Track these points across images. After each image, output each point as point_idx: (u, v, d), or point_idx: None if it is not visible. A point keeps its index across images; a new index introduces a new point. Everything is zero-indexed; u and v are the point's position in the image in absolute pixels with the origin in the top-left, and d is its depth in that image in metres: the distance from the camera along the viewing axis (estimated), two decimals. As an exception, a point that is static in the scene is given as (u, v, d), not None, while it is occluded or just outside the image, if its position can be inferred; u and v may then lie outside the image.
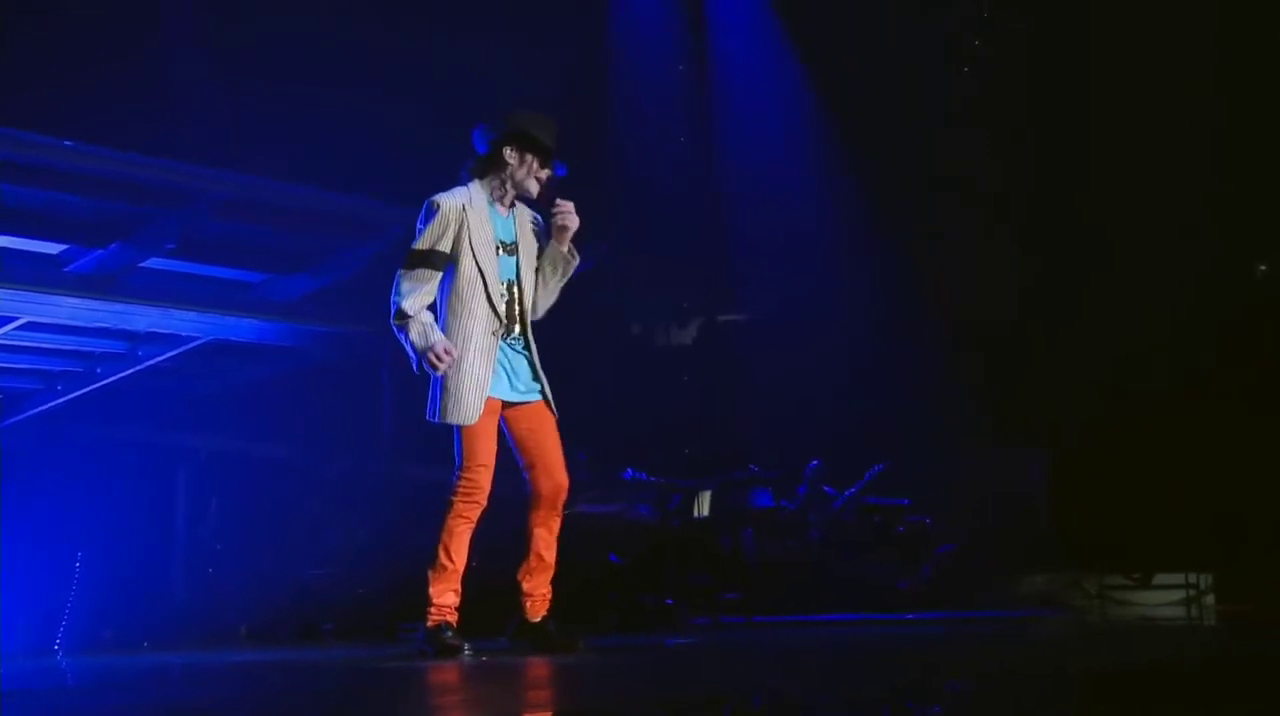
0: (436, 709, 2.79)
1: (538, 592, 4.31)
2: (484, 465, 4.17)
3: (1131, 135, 7.66)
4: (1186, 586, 7.67)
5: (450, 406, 4.15)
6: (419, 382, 4.32)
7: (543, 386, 4.32)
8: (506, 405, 4.27)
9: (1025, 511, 8.23)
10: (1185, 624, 6.25)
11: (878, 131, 8.68)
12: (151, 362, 8.50)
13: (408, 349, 4.21)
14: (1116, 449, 7.73)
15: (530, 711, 2.75)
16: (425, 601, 4.19)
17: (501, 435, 4.30)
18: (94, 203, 6.75)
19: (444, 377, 4.16)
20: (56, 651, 7.82)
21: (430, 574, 4.19)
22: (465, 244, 4.21)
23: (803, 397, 8.80)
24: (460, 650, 4.10)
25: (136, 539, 8.86)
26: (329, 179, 7.17)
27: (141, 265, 7.26)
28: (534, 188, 4.33)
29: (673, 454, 8.68)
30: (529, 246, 4.38)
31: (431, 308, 4.26)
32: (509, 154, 4.29)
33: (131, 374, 8.64)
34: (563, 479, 4.30)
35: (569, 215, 4.30)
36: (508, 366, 4.27)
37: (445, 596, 4.18)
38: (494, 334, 4.23)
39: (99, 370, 8.79)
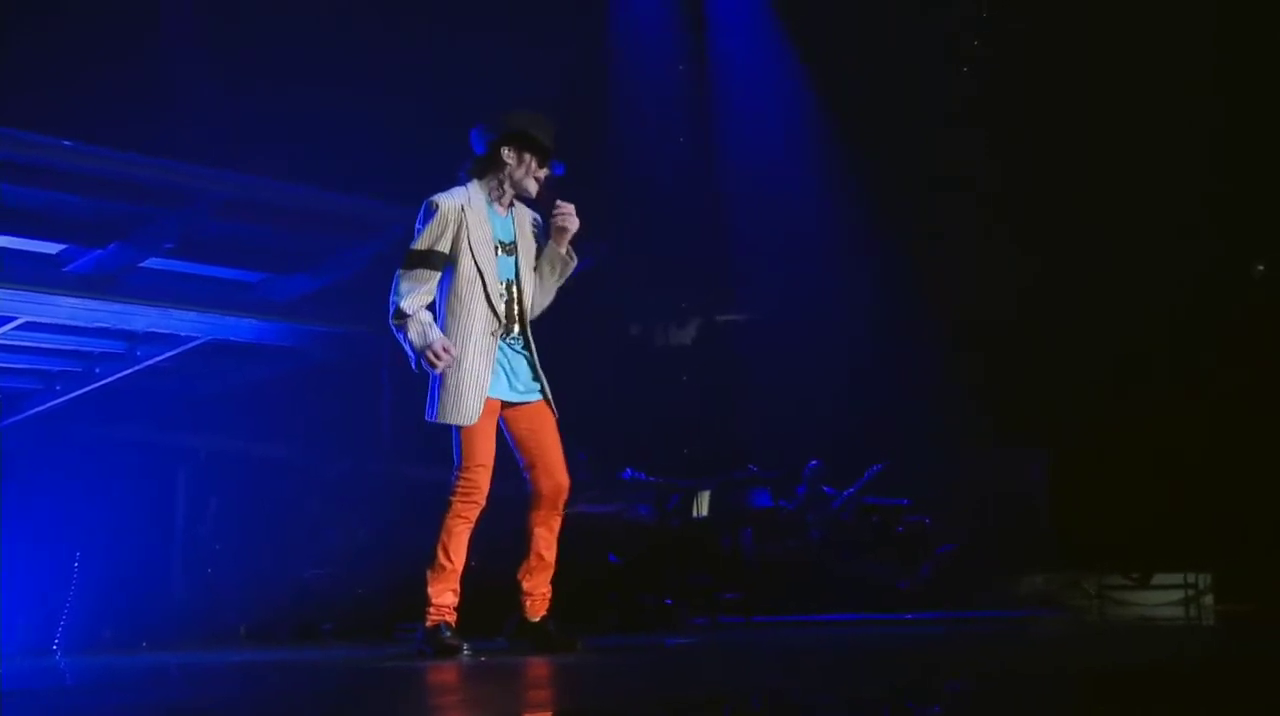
0: (435, 709, 2.79)
1: (538, 592, 4.31)
2: (482, 465, 4.17)
3: (1130, 135, 7.65)
4: (1185, 586, 7.67)
5: (450, 407, 4.15)
6: (418, 383, 4.32)
7: (543, 386, 4.32)
8: (506, 405, 4.27)
9: (1025, 511, 8.23)
10: (1184, 624, 6.25)
11: (878, 131, 8.68)
12: (150, 362, 8.50)
13: (406, 348, 4.21)
14: (1116, 449, 7.72)
15: (529, 711, 2.75)
16: (424, 601, 4.19)
17: (501, 435, 4.30)
18: (93, 203, 6.75)
19: (443, 378, 4.16)
20: (55, 651, 7.82)
21: (429, 574, 4.19)
22: (464, 244, 4.22)
23: (803, 397, 8.80)
24: (459, 650, 4.10)
25: (135, 538, 8.86)
26: (329, 179, 7.17)
27: (140, 265, 7.26)
28: (532, 187, 4.33)
29: (672, 454, 8.68)
30: (528, 246, 4.38)
31: (431, 308, 4.26)
32: (507, 154, 4.29)
33: (130, 374, 8.64)
34: (563, 478, 4.30)
35: (569, 217, 4.30)
36: (507, 366, 4.27)
37: (444, 596, 4.18)
38: (493, 334, 4.23)
39: (98, 370, 8.78)
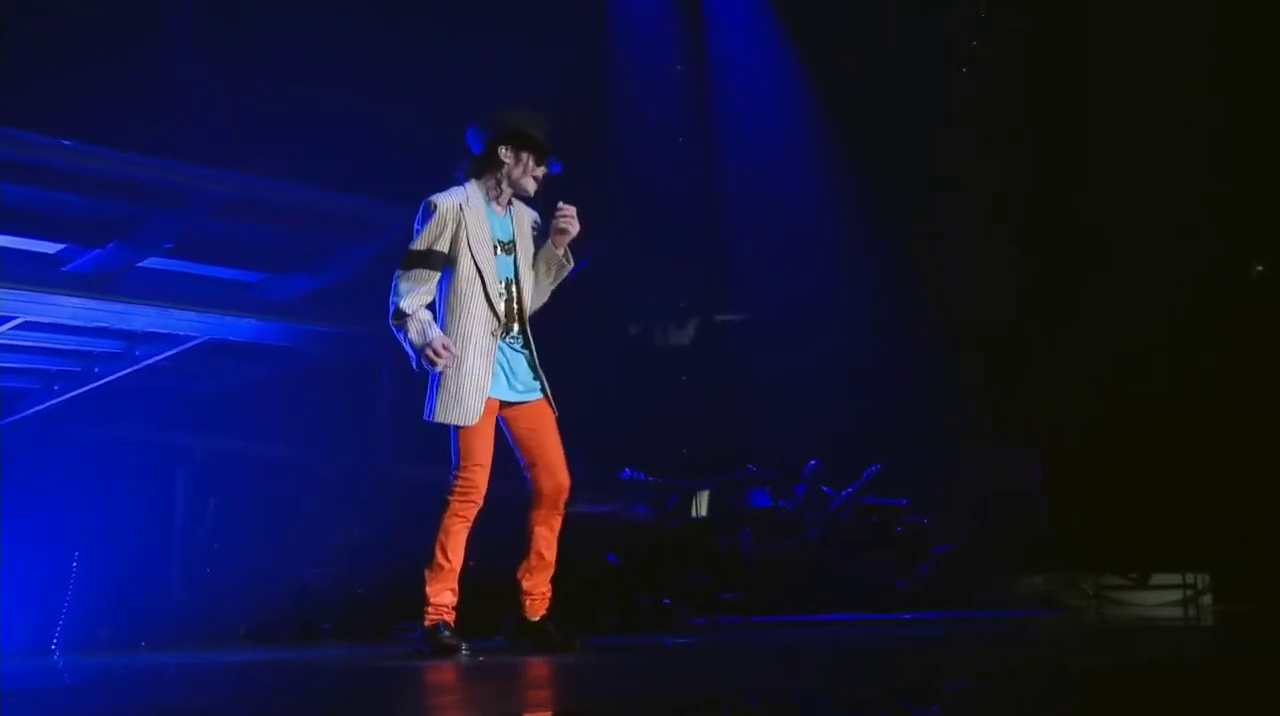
0: (433, 708, 2.78)
1: (537, 591, 4.31)
2: (481, 465, 4.17)
3: (1130, 135, 7.65)
4: (1184, 586, 7.66)
5: (449, 407, 4.15)
6: (417, 382, 4.31)
7: (542, 384, 4.32)
8: (505, 405, 4.27)
9: (1024, 511, 8.22)
10: (1183, 624, 6.25)
11: (877, 131, 8.68)
12: (149, 362, 8.50)
13: (406, 347, 4.21)
14: (1116, 449, 7.72)
15: (528, 711, 2.75)
16: (422, 601, 4.19)
17: (501, 434, 4.30)
18: (93, 202, 6.75)
19: (442, 377, 4.16)
20: (53, 651, 7.82)
21: (427, 573, 4.19)
22: (463, 243, 4.21)
23: (802, 397, 8.79)
24: (457, 649, 4.09)
25: (134, 538, 8.86)
26: (329, 179, 7.17)
27: (139, 265, 7.26)
28: (531, 186, 4.33)
29: (671, 454, 8.68)
30: (526, 245, 4.38)
31: (430, 307, 4.26)
32: (504, 153, 4.29)
33: (129, 373, 8.64)
34: (564, 478, 4.30)
35: (571, 220, 4.30)
36: (506, 366, 4.27)
37: (442, 596, 4.18)
38: (493, 333, 4.22)
39: (97, 369, 8.79)
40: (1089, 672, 3.15)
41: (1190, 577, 7.66)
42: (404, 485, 7.80)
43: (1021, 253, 8.22)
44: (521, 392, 4.28)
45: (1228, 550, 7.26)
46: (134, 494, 8.95)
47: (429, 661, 4.06)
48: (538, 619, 4.30)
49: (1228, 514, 7.15)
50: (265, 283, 7.92)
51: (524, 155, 4.30)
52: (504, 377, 4.25)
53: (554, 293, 4.44)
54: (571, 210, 4.31)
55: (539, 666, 3.80)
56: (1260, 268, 8.08)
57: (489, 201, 4.33)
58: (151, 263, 7.27)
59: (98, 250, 7.08)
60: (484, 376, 4.17)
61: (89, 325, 7.92)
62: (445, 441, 4.25)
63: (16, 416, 9.13)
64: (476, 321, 4.20)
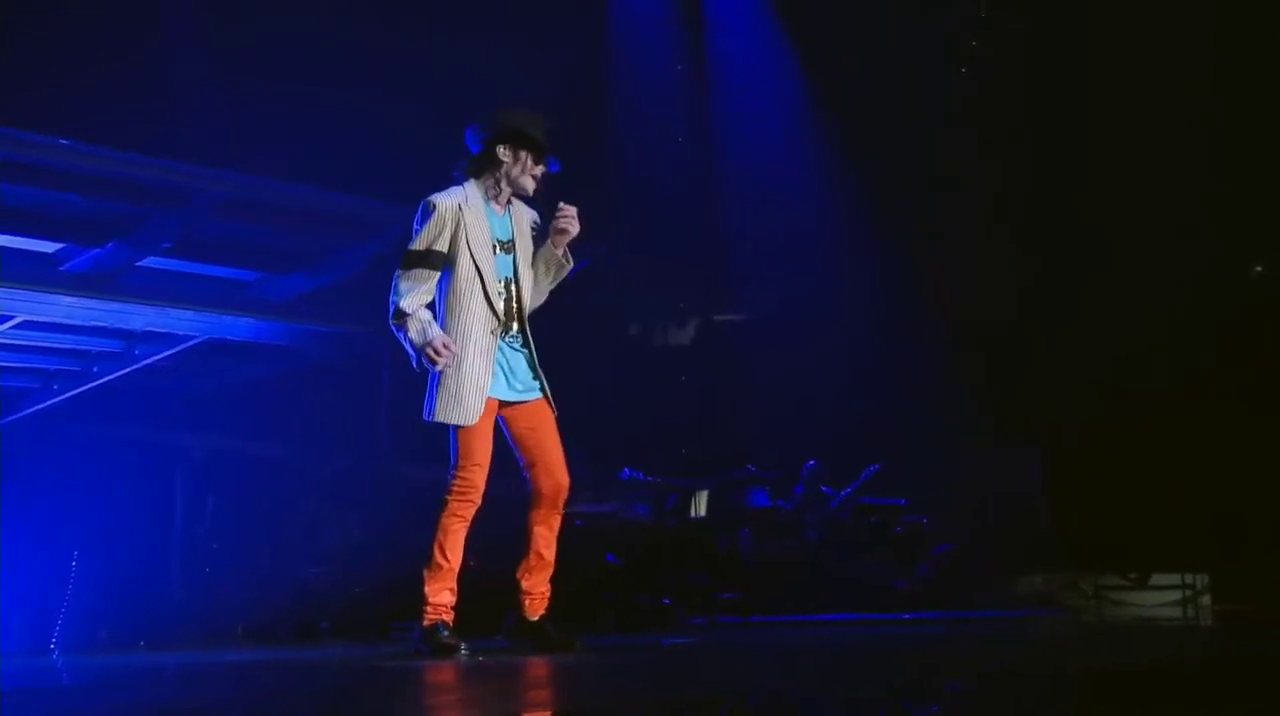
0: (432, 708, 2.78)
1: (537, 591, 4.30)
2: (479, 464, 4.17)
3: (1130, 135, 7.64)
4: (1183, 587, 7.66)
5: (449, 406, 4.14)
6: (416, 382, 4.31)
7: (542, 383, 4.31)
8: (504, 404, 4.26)
9: (1025, 511, 8.21)
10: (1182, 624, 6.24)
11: (877, 132, 8.67)
12: (148, 362, 8.50)
13: (407, 347, 4.21)
14: (1116, 449, 7.71)
15: (527, 711, 2.74)
16: (421, 600, 4.18)
17: (500, 434, 4.29)
18: (93, 202, 6.75)
19: (442, 377, 4.16)
20: (52, 651, 7.81)
21: (426, 573, 4.18)
22: (462, 243, 4.21)
23: (802, 397, 8.79)
24: (456, 649, 4.09)
25: (133, 538, 8.86)
26: (329, 179, 7.17)
27: (138, 264, 7.25)
28: (530, 185, 4.33)
29: (671, 454, 8.67)
30: (526, 244, 4.38)
31: (430, 307, 4.26)
32: (503, 152, 4.29)
33: (128, 373, 8.64)
34: (563, 478, 4.30)
35: (571, 220, 4.30)
36: (506, 366, 4.27)
37: (441, 595, 4.17)
38: (492, 333, 4.22)
39: (95, 369, 8.78)
40: (1089, 672, 3.15)
41: (1189, 578, 7.66)
42: (403, 485, 7.80)
43: (1021, 253, 8.22)
44: (521, 392, 4.28)
45: (1227, 550, 7.25)
46: (133, 493, 8.95)
47: (428, 661, 4.05)
48: (537, 618, 4.30)
49: (1227, 514, 7.15)
50: (264, 282, 7.91)
51: (522, 154, 4.29)
52: (503, 377, 4.25)
53: (553, 292, 4.44)
54: (572, 211, 4.31)
55: (538, 666, 3.80)
56: (1260, 268, 8.07)
57: (488, 201, 4.32)
58: (150, 262, 7.27)
59: (96, 249, 7.08)
60: (484, 376, 4.17)
61: (87, 324, 7.92)
62: (444, 441, 4.25)
63: (15, 416, 9.13)
64: (476, 320, 4.20)
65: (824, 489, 8.48)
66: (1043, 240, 8.10)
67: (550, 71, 7.72)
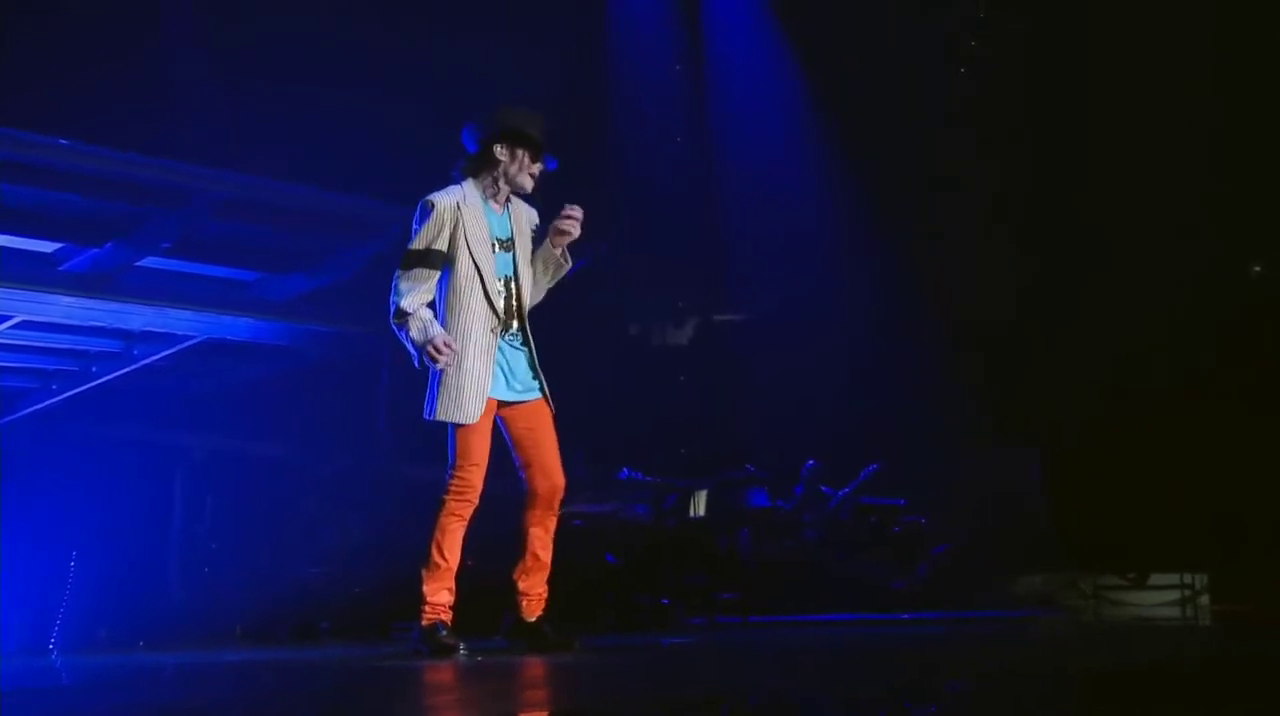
0: (431, 708, 2.77)
1: (533, 592, 4.30)
2: (477, 464, 4.17)
3: (1130, 135, 7.64)
4: (1181, 586, 7.66)
5: (450, 405, 4.14)
6: (416, 382, 4.31)
7: (541, 384, 4.31)
8: (503, 405, 4.26)
9: (1024, 511, 8.21)
10: (1181, 624, 6.24)
11: (877, 132, 8.67)
12: (147, 362, 8.49)
13: (408, 346, 4.21)
14: (1115, 449, 7.71)
15: (526, 711, 2.74)
16: (420, 600, 4.18)
17: (498, 434, 4.29)
18: (93, 202, 6.75)
19: (443, 376, 4.16)
20: (51, 650, 7.81)
21: (424, 572, 4.18)
22: (461, 242, 4.21)
23: (802, 397, 8.79)
24: (455, 649, 4.08)
25: (132, 538, 8.86)
26: (329, 179, 7.17)
27: (137, 264, 7.25)
28: (528, 182, 4.33)
29: (670, 454, 8.67)
30: (525, 242, 4.38)
31: (430, 307, 4.25)
32: (499, 151, 4.29)
33: (127, 373, 8.63)
34: (559, 479, 4.29)
35: (574, 223, 4.29)
36: (505, 366, 4.26)
37: (439, 595, 4.17)
38: (493, 331, 4.22)
39: (94, 369, 8.78)
40: (1088, 672, 3.15)
41: (1188, 578, 7.66)
42: (403, 485, 7.79)
43: (1021, 253, 8.22)
44: (520, 392, 4.28)
45: (1226, 550, 7.25)
46: (132, 493, 8.95)
47: (427, 661, 4.05)
48: (534, 620, 4.29)
49: (1226, 514, 7.15)
50: (264, 282, 7.91)
51: (519, 153, 4.29)
52: (503, 377, 4.25)
53: (552, 291, 4.44)
54: (578, 213, 4.30)
55: (537, 666, 3.79)
56: (1260, 268, 8.07)
57: (486, 199, 4.32)
58: (149, 262, 7.27)
59: (95, 249, 7.07)
60: (484, 376, 4.17)
61: (86, 324, 7.92)
62: (444, 440, 4.25)
63: (14, 416, 9.12)
64: (476, 319, 4.20)
65: (823, 489, 8.48)
66: (1042, 240, 8.10)
67: (550, 71, 7.72)
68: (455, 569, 4.20)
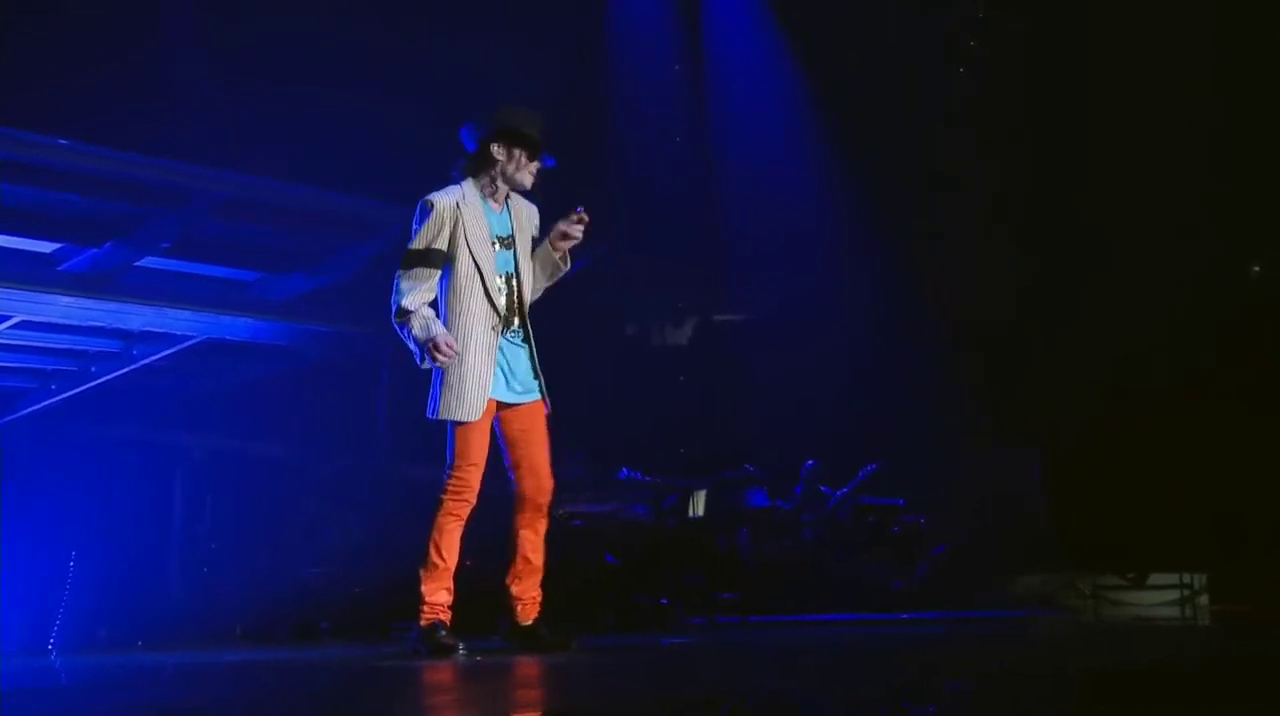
0: (430, 708, 2.77)
1: (527, 596, 4.28)
2: (475, 464, 4.17)
3: (1129, 135, 7.64)
4: (1181, 586, 7.65)
5: (452, 403, 4.14)
6: (416, 382, 4.31)
7: (540, 385, 4.31)
8: (502, 406, 4.26)
9: (1024, 511, 8.21)
10: (1181, 624, 6.24)
11: (877, 131, 8.67)
12: (146, 362, 8.49)
13: (410, 345, 4.21)
14: (1115, 449, 7.71)
15: (524, 711, 2.74)
16: (418, 600, 4.17)
17: (494, 434, 4.28)
18: (93, 202, 6.75)
19: (445, 375, 4.16)
20: (50, 650, 7.81)
21: (422, 572, 4.18)
22: (461, 240, 4.22)
23: (802, 397, 8.79)
24: (454, 649, 4.08)
25: (132, 538, 8.86)
26: (329, 179, 7.17)
27: (136, 264, 7.25)
28: (527, 180, 4.34)
29: (670, 454, 8.67)
30: (525, 239, 4.39)
31: (431, 306, 4.26)
32: (497, 150, 4.29)
33: (126, 373, 8.63)
34: (548, 480, 4.28)
35: (578, 228, 4.29)
36: (506, 365, 4.26)
37: (438, 595, 4.17)
38: (494, 329, 4.22)
39: (94, 369, 8.78)
40: (1088, 672, 3.14)
41: (1188, 577, 7.65)
42: (403, 485, 7.79)
43: (1021, 253, 8.22)
44: (520, 394, 4.28)
45: (1225, 550, 7.25)
46: (132, 493, 8.95)
47: (426, 661, 4.05)
48: (530, 623, 4.27)
49: (1226, 514, 7.15)
50: (263, 282, 7.91)
51: (516, 151, 4.30)
52: (503, 378, 4.25)
53: (551, 290, 4.45)
54: (584, 218, 4.29)
55: (536, 666, 3.79)
56: (1259, 268, 8.07)
57: (485, 198, 4.33)
58: (149, 262, 7.27)
59: (94, 249, 7.07)
60: (486, 374, 4.17)
61: (85, 324, 7.91)
62: (443, 440, 4.25)
63: (13, 416, 9.12)
64: (477, 317, 4.20)
65: (823, 489, 8.48)
66: (1042, 240, 8.10)
67: (550, 71, 7.72)
68: (453, 569, 4.20)
